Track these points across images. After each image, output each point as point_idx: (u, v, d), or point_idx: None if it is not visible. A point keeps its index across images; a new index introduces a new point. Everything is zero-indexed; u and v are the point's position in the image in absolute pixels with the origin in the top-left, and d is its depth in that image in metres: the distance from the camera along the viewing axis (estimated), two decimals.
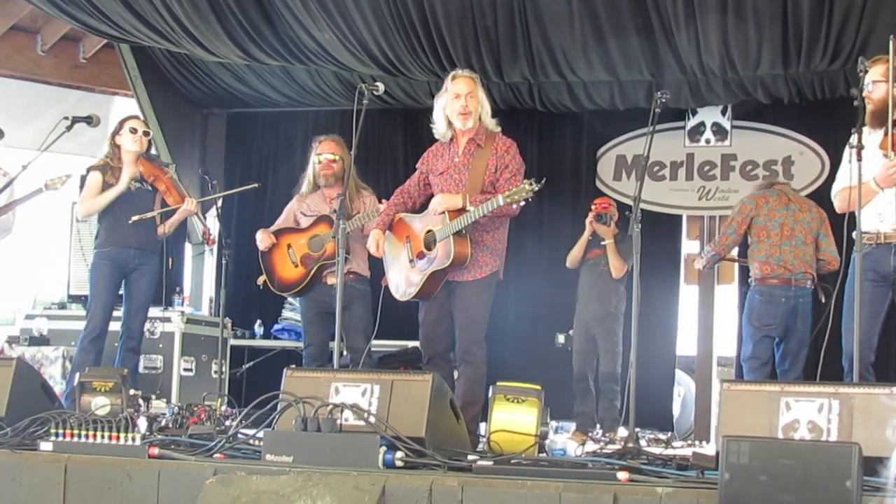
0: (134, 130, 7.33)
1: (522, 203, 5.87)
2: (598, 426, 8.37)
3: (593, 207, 8.78)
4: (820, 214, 7.64)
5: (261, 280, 7.64)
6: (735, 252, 8.21)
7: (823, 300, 7.26)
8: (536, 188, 5.79)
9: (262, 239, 7.37)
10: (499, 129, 6.31)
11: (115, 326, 7.36)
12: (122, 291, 7.34)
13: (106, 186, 7.26)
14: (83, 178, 8.75)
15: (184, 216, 7.47)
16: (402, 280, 6.33)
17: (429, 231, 6.17)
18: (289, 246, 7.40)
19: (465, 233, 6.04)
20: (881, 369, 6.00)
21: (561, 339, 9.16)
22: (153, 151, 7.66)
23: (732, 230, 7.73)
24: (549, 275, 10.03)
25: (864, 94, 5.67)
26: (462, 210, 6.02)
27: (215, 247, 9.90)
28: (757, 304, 7.59)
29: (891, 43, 5.38)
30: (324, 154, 7.33)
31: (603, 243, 8.61)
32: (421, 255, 6.21)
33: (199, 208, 7.50)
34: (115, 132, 7.38)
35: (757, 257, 7.59)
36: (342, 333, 7.27)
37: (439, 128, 6.29)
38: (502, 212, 6.02)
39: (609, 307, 8.62)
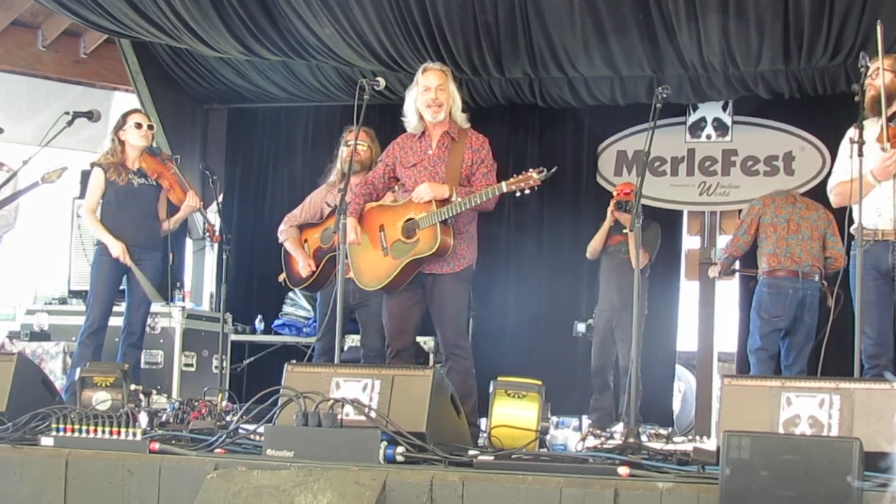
0: (139, 125, 7.28)
1: (528, 192, 5.85)
2: (617, 422, 8.24)
3: (615, 194, 8.70)
4: (827, 215, 7.69)
5: (281, 277, 7.65)
6: (737, 264, 8.34)
7: (832, 306, 7.18)
8: (546, 176, 5.78)
9: (304, 266, 7.33)
10: (468, 124, 6.28)
11: (116, 322, 7.35)
12: (124, 287, 7.32)
13: (109, 183, 7.23)
14: (84, 174, 8.74)
15: (188, 213, 7.43)
16: (371, 269, 6.20)
17: (409, 219, 6.10)
18: (305, 241, 7.42)
19: (450, 223, 6.01)
20: None
21: (581, 327, 9.04)
22: (154, 144, 7.58)
23: (743, 231, 7.87)
24: (550, 270, 10.05)
25: (867, 81, 5.67)
26: (447, 200, 5.99)
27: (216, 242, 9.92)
28: (765, 296, 7.65)
29: (879, 28, 5.39)
30: (353, 142, 7.33)
31: (625, 231, 8.46)
32: (397, 244, 6.16)
33: (202, 204, 7.46)
34: (119, 127, 7.31)
35: (765, 251, 7.66)
36: (359, 328, 7.29)
37: (410, 120, 6.24)
38: (482, 205, 6.00)
39: (626, 298, 8.35)
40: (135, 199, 7.25)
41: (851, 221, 5.66)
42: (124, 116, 7.38)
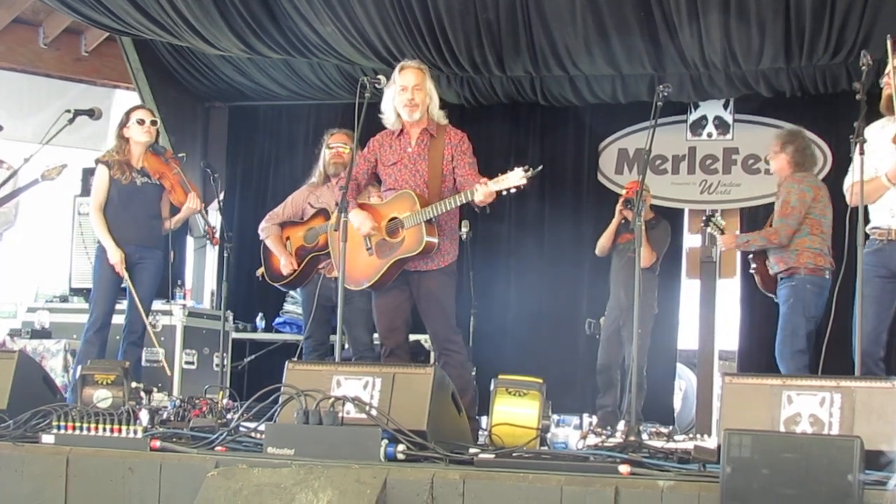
0: (142, 122, 7.22)
1: (513, 191, 5.79)
2: (622, 421, 8.18)
3: (624, 192, 8.67)
4: None
5: (260, 272, 7.66)
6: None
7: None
8: (532, 175, 5.73)
9: (286, 264, 7.35)
10: (446, 121, 6.24)
11: (117, 320, 7.34)
12: (124, 285, 7.30)
13: (112, 182, 7.20)
14: (86, 172, 8.73)
15: (188, 214, 7.39)
16: (355, 270, 6.14)
17: (392, 219, 6.07)
18: (287, 238, 7.45)
19: (434, 221, 5.99)
20: (892, 365, 5.98)
21: (590, 325, 8.98)
22: (158, 142, 7.52)
23: (796, 220, 7.18)
24: (551, 268, 10.04)
25: (885, 80, 5.68)
26: (430, 200, 5.98)
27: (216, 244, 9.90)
28: (811, 296, 7.16)
29: (888, 43, 5.39)
30: (335, 145, 7.34)
31: (633, 228, 8.40)
32: (381, 243, 6.13)
33: (202, 207, 7.42)
34: (122, 124, 7.25)
35: (811, 247, 7.14)
36: (344, 327, 7.28)
37: (388, 118, 6.21)
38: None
39: (633, 297, 8.33)
40: (137, 199, 7.23)
41: (867, 221, 5.68)
42: (127, 113, 7.34)
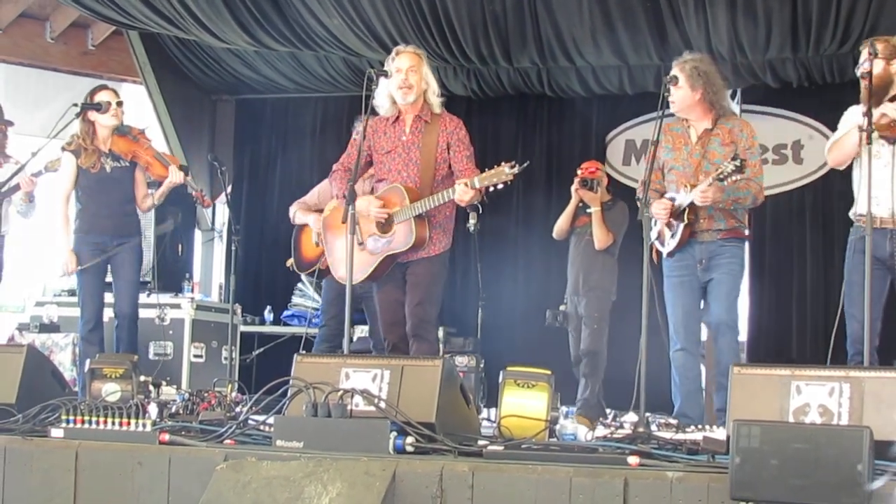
0: (108, 104, 7.03)
1: (500, 186, 5.77)
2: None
3: (579, 172, 8.24)
4: None
5: (289, 262, 7.64)
6: None
7: None
8: (518, 171, 5.69)
9: (315, 220, 7.30)
10: (441, 109, 6.17)
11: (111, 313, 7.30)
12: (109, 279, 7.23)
13: (81, 171, 7.03)
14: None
15: (171, 187, 7.15)
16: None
17: None
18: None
19: (425, 215, 5.97)
20: (885, 353, 5.97)
21: (550, 315, 8.47)
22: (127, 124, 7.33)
23: None
24: (558, 259, 10.00)
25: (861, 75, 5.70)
26: (421, 194, 5.95)
27: (225, 233, 9.90)
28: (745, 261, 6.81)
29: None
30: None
31: (589, 211, 8.09)
32: (372, 237, 6.08)
33: (185, 178, 7.10)
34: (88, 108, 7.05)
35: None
36: (367, 319, 7.28)
37: (383, 104, 6.16)
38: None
39: (590, 281, 8.04)
40: (109, 187, 7.09)
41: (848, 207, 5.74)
42: (91, 95, 7.13)
